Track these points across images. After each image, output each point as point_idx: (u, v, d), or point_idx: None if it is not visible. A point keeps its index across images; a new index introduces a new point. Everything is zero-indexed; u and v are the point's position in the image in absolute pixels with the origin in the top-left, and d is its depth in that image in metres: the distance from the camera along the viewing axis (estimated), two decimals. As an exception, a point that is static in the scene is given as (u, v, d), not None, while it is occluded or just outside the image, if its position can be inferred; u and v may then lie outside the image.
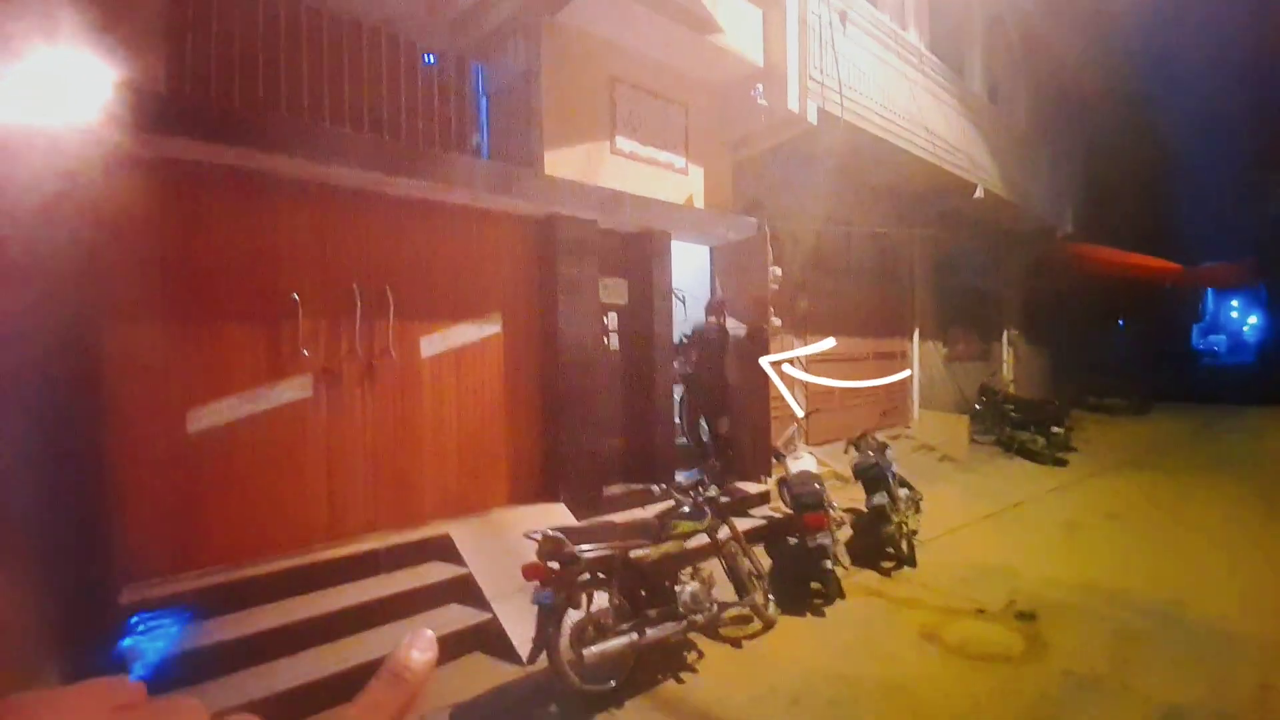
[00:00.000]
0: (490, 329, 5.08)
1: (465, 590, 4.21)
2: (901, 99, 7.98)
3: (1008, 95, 11.68)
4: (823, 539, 4.74)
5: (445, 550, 4.42)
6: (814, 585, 4.80)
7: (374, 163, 4.14)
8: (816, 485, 5.09)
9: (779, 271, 6.57)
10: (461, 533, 4.52)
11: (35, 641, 3.01)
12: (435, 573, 4.28)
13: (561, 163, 5.35)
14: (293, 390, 4.12)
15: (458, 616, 4.05)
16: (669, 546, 3.75)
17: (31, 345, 3.06)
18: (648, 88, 6.09)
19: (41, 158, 2.97)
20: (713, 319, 6.35)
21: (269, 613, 3.64)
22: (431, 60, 4.95)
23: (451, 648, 3.88)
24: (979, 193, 9.85)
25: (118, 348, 3.48)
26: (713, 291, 6.90)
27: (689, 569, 3.97)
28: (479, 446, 5.00)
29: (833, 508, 5.24)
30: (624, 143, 5.90)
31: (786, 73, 6.31)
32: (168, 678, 3.12)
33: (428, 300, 4.71)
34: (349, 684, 3.43)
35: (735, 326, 6.55)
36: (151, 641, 3.22)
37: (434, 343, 4.75)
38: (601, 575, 3.52)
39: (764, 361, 6.33)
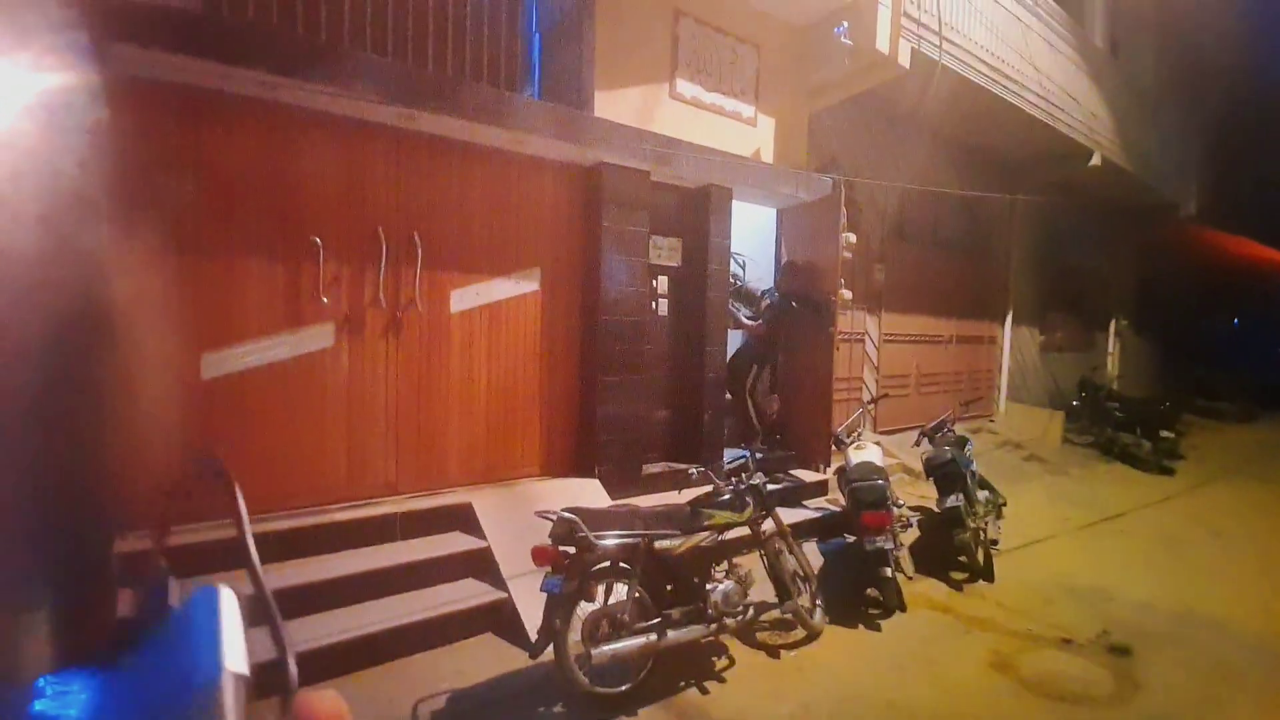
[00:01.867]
0: (528, 286, 4.70)
1: (483, 565, 3.93)
2: (1011, 45, 6.95)
3: (1132, 52, 10.18)
4: (883, 542, 4.17)
5: (466, 520, 4.15)
6: (870, 593, 4.25)
7: (408, 94, 3.77)
8: (879, 480, 4.49)
9: (853, 238, 5.87)
10: (485, 503, 4.23)
11: (27, 585, 2.90)
12: (454, 543, 4.01)
13: (614, 106, 4.85)
14: (312, 339, 3.88)
15: (472, 592, 3.77)
16: (701, 538, 3.30)
17: (35, 278, 2.89)
18: (716, 24, 5.45)
19: (50, 79, 2.74)
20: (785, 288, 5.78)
21: (277, 572, 3.46)
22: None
23: (463, 626, 3.61)
24: (1095, 159, 8.64)
25: (129, 284, 3.30)
26: (778, 257, 6.27)
27: (724, 565, 3.52)
28: (510, 411, 4.67)
29: (898, 506, 4.64)
30: (685, 86, 5.32)
31: (877, 7, 5.51)
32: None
33: (460, 251, 4.36)
34: (352, 654, 3.22)
35: (800, 297, 5.93)
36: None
37: (465, 297, 4.41)
38: (623, 565, 3.12)
39: (830, 336, 5.68)
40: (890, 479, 4.80)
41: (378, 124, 3.96)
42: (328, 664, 3.14)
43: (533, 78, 5.01)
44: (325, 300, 3.85)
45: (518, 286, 4.66)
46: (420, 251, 4.13)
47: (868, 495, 4.38)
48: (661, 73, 5.17)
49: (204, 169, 3.50)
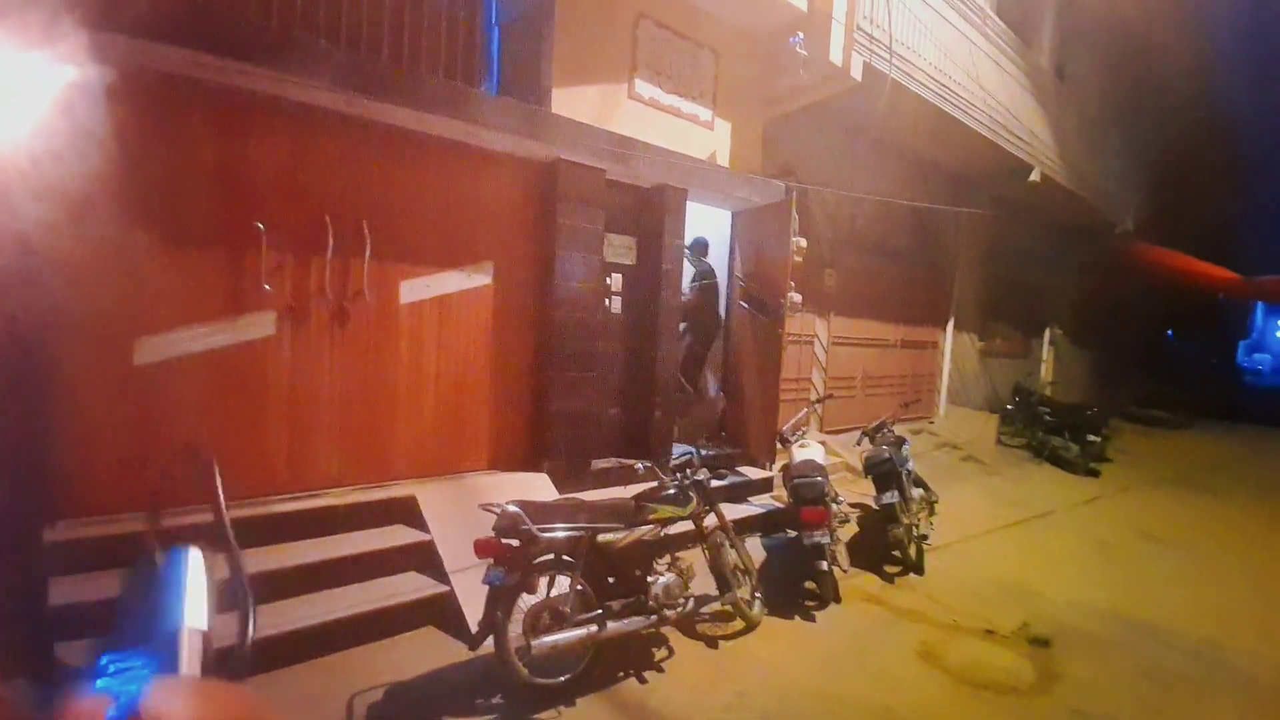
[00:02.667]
0: (480, 279, 4.68)
1: (426, 558, 3.91)
2: (959, 62, 7.24)
3: (1077, 75, 10.69)
4: (820, 536, 4.31)
5: (410, 513, 4.12)
6: (808, 586, 4.40)
7: (360, 84, 3.71)
8: (819, 477, 4.64)
9: (803, 243, 6.03)
10: (430, 496, 4.20)
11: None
12: (396, 536, 3.98)
13: (572, 103, 4.87)
14: (253, 327, 3.79)
15: (413, 586, 3.75)
16: (643, 532, 3.37)
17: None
18: (676, 27, 5.52)
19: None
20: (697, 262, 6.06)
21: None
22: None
23: (403, 619, 3.60)
24: (1035, 176, 9.07)
25: (60, 263, 3.16)
26: (732, 258, 6.39)
27: (667, 558, 3.59)
28: (458, 405, 4.65)
29: (837, 503, 4.80)
30: (644, 87, 5.38)
31: (832, 20, 5.67)
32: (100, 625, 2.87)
33: (411, 242, 4.31)
34: (288, 648, 3.18)
35: (750, 298, 6.08)
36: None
37: (415, 288, 4.37)
38: (566, 558, 3.16)
39: (778, 337, 5.83)
40: (831, 477, 4.98)
41: (328, 111, 3.88)
42: (263, 658, 3.09)
43: (491, 72, 4.98)
44: (268, 288, 3.76)
45: (470, 279, 4.63)
46: (369, 241, 4.07)
47: (807, 492, 4.52)
48: (621, 72, 5.22)
49: (143, 150, 3.37)
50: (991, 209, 9.82)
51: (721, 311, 6.57)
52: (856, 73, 5.97)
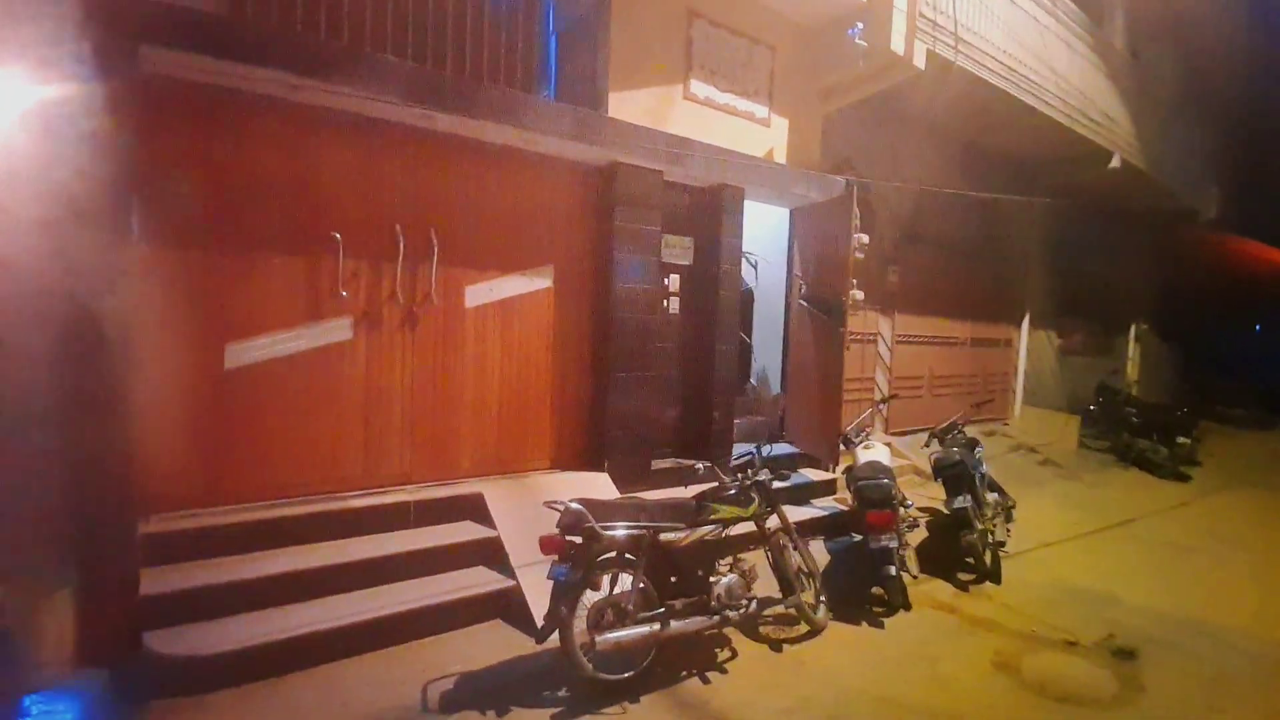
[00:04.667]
0: (540, 282, 4.79)
1: (493, 553, 4.02)
2: (1028, 45, 6.90)
3: (1153, 57, 10.02)
4: (887, 540, 4.20)
5: (477, 510, 4.24)
6: (875, 592, 4.28)
7: (426, 96, 3.86)
8: (885, 479, 4.52)
9: (865, 239, 5.88)
10: (495, 493, 4.33)
11: (52, 565, 3.03)
12: (465, 532, 4.11)
13: (628, 107, 4.92)
14: (331, 332, 3.99)
15: (481, 580, 3.86)
16: (705, 532, 3.37)
17: (64, 271, 3.01)
18: (730, 25, 5.50)
19: (77, 79, 2.87)
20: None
21: (294, 555, 3.58)
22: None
23: (472, 612, 3.71)
24: (1115, 162, 8.54)
25: (156, 277, 3.43)
26: (791, 256, 6.30)
27: (729, 559, 3.58)
28: (522, 405, 4.76)
29: (905, 506, 4.66)
30: (699, 87, 5.38)
31: (892, 8, 5.52)
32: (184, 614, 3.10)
33: (475, 248, 4.46)
34: (365, 636, 3.33)
35: (811, 297, 5.97)
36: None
37: (480, 292, 4.51)
38: (628, 556, 3.19)
39: (841, 336, 5.71)
40: (897, 479, 4.83)
41: (396, 123, 4.06)
42: (341, 645, 3.26)
43: (548, 79, 5.09)
44: (344, 294, 3.97)
45: (531, 283, 4.75)
46: (436, 248, 4.23)
47: (873, 494, 4.41)
48: (676, 73, 5.23)
49: (230, 167, 3.63)
50: (1064, 198, 9.31)
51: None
52: (919, 60, 5.79)
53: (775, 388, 6.62)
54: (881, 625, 4.03)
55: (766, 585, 3.74)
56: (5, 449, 2.93)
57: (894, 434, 7.44)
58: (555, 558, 3.07)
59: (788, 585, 3.73)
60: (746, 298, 6.42)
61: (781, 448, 6.05)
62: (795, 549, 3.87)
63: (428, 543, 3.92)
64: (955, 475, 4.99)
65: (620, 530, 3.12)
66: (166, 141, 3.43)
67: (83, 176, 2.98)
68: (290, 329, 3.87)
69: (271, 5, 3.75)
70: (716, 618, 3.35)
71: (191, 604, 3.16)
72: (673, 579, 3.38)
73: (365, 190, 4.04)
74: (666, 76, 5.18)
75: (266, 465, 3.83)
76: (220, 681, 2.91)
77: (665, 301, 5.43)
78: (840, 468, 5.78)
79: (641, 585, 3.19)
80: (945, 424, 5.55)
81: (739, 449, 5.51)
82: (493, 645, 3.50)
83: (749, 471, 3.74)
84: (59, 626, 2.95)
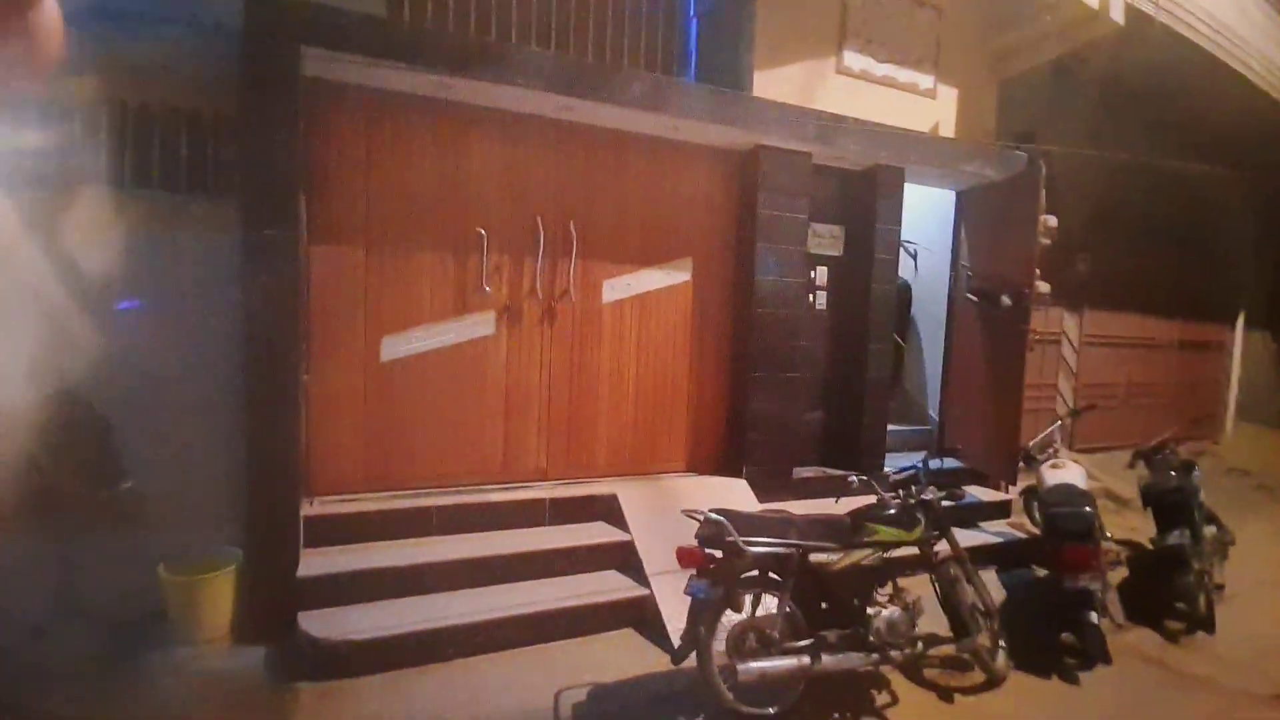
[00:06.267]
0: (679, 276, 4.58)
1: (626, 558, 3.87)
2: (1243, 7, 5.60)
3: None
4: (1088, 581, 3.51)
5: (610, 511, 4.12)
6: (1066, 639, 3.60)
7: (569, 85, 3.76)
8: (1086, 507, 3.79)
9: (1054, 222, 5.04)
10: (629, 495, 4.18)
11: (222, 543, 3.29)
12: (598, 533, 4.01)
13: (774, 87, 4.55)
14: (475, 327, 4.05)
15: (615, 586, 3.72)
16: (862, 555, 2.96)
17: (244, 268, 3.25)
18: (892, -14, 4.93)
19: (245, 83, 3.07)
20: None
21: (437, 545, 3.66)
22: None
23: (603, 619, 3.57)
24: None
25: (322, 273, 3.64)
26: (956, 244, 5.58)
27: (889, 587, 3.13)
28: (658, 404, 4.58)
29: (1106, 539, 3.90)
30: (854, 58, 4.87)
31: (1093, -52, 4.66)
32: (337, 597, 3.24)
33: (613, 241, 4.34)
34: (499, 633, 3.30)
35: (983, 291, 5.24)
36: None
37: (617, 287, 4.39)
38: (773, 576, 2.87)
39: (1022, 335, 4.94)
40: (1097, 506, 4.05)
41: (538, 116, 4.03)
42: (478, 640, 3.25)
43: (688, 62, 4.85)
44: (488, 290, 4.00)
45: (669, 277, 4.55)
46: (575, 242, 4.16)
47: (1072, 524, 3.70)
48: (828, 44, 4.78)
49: (385, 168, 3.77)
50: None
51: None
52: (1117, 14, 4.85)
53: (934, 392, 5.92)
54: (1076, 680, 3.36)
55: (932, 621, 3.24)
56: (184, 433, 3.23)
57: (1079, 450, 6.39)
58: (693, 572, 2.82)
59: (960, 624, 3.21)
60: (903, 292, 5.79)
61: (942, 460, 5.37)
62: (969, 582, 3.32)
63: (561, 542, 3.85)
64: (1171, 504, 4.14)
65: (766, 547, 2.81)
66: (329, 144, 3.62)
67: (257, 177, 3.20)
68: (439, 323, 3.96)
69: (425, 6, 3.85)
70: (875, 655, 2.93)
71: (344, 588, 3.29)
72: (823, 605, 3.01)
73: (508, 185, 4.05)
74: (817, 49, 4.75)
75: (415, 455, 3.96)
76: (368, 667, 2.99)
77: (811, 295, 5.00)
78: (1017, 487, 5.01)
79: (789, 610, 2.86)
80: (1155, 442, 4.62)
81: (894, 460, 4.95)
82: (624, 656, 3.33)
83: (912, 488, 3.25)
84: (223, 601, 3.19)
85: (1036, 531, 4.69)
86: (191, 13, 3.24)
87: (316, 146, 3.53)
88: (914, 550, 3.20)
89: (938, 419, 5.75)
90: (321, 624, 3.09)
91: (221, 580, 3.24)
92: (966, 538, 4.54)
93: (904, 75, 5.07)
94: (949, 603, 3.25)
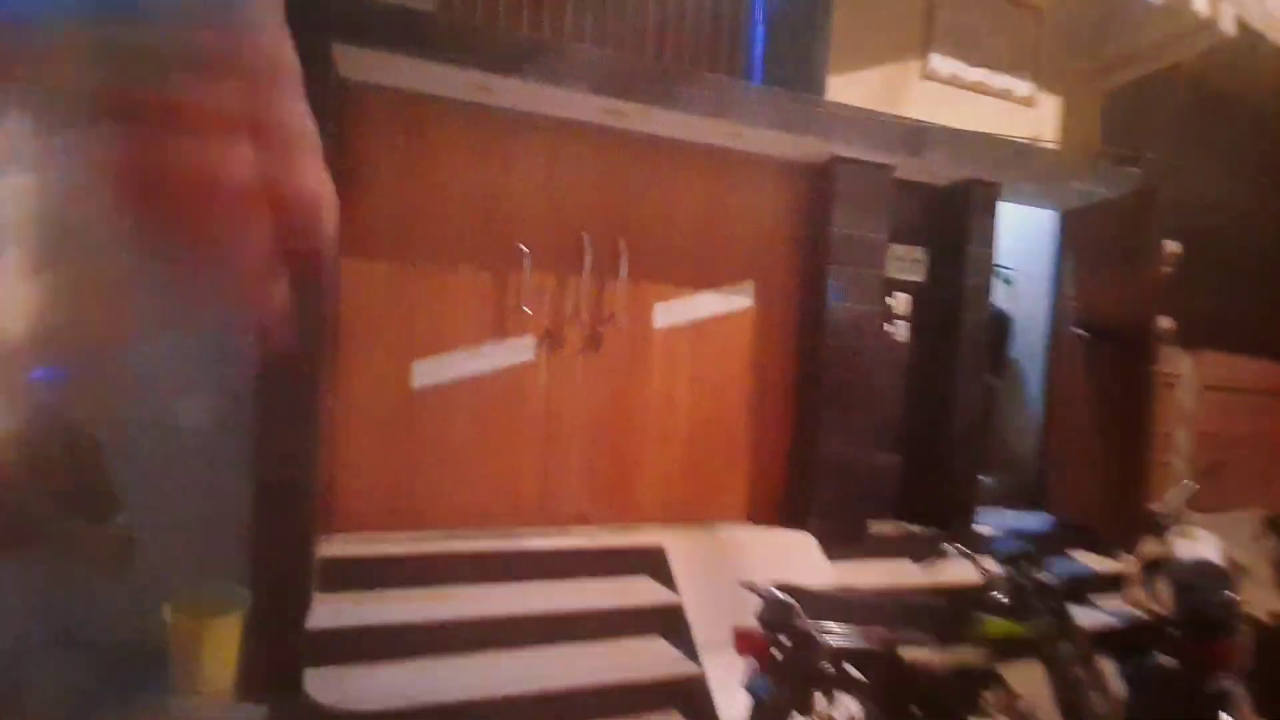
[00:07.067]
0: (739, 301, 4.12)
1: (673, 623, 3.38)
2: None
3: None
4: (1230, 683, 2.84)
5: (657, 566, 3.64)
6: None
7: (622, 86, 3.39)
8: (1227, 590, 3.12)
9: (1177, 249, 4.36)
10: (679, 547, 3.69)
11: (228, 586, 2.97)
12: (642, 592, 3.53)
13: (851, 92, 4.08)
14: (515, 352, 3.69)
15: (659, 658, 3.24)
16: (969, 655, 2.39)
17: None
18: (987, -16, 4.41)
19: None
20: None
21: (465, 598, 3.25)
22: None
23: (648, 698, 3.09)
24: None
25: (350, 289, 3.35)
26: (1059, 271, 4.93)
27: (1001, 689, 2.54)
28: (712, 444, 4.11)
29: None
30: (941, 62, 4.36)
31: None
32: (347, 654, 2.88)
33: (666, 261, 3.92)
34: (526, 711, 2.86)
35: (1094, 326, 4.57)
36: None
37: (669, 311, 3.96)
38: (853, 673, 2.34)
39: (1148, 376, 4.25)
40: (1238, 588, 3.35)
41: (586, 123, 3.67)
42: (500, 716, 2.82)
43: (755, 65, 4.43)
44: (528, 311, 3.64)
45: (728, 302, 4.09)
46: (625, 261, 3.76)
47: (1214, 613, 3.02)
48: (912, 47, 4.29)
49: (421, 176, 3.48)
50: None
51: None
52: (1228, 25, 4.21)
53: (1031, 438, 5.22)
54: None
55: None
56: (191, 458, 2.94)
57: (1198, 513, 5.53)
58: (754, 662, 2.32)
59: (1085, 738, 2.58)
60: (1002, 323, 5.13)
61: (1036, 517, 4.69)
62: (1094, 685, 2.69)
63: (602, 602, 3.39)
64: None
65: (844, 638, 2.29)
66: (362, 150, 3.35)
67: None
68: (474, 346, 3.62)
69: (475, 2, 3.57)
70: (983, 779, 2.35)
71: (357, 644, 2.92)
72: (914, 710, 2.45)
73: (552, 198, 3.71)
74: (900, 52, 4.26)
75: (446, 491, 3.60)
76: (374, 745, 2.60)
77: (890, 325, 4.44)
78: (1137, 557, 4.28)
79: (873, 716, 2.32)
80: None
81: (985, 515, 4.32)
82: (670, 748, 2.83)
83: (1028, 566, 2.66)
84: (227, 649, 2.86)
85: (1159, 611, 3.96)
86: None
87: (347, 152, 3.26)
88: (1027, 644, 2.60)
89: (1037, 470, 5.04)
90: (329, 687, 2.72)
91: (228, 625, 2.92)
92: (1079, 617, 3.87)
93: (998, 81, 4.52)
94: (1071, 710, 2.63)
